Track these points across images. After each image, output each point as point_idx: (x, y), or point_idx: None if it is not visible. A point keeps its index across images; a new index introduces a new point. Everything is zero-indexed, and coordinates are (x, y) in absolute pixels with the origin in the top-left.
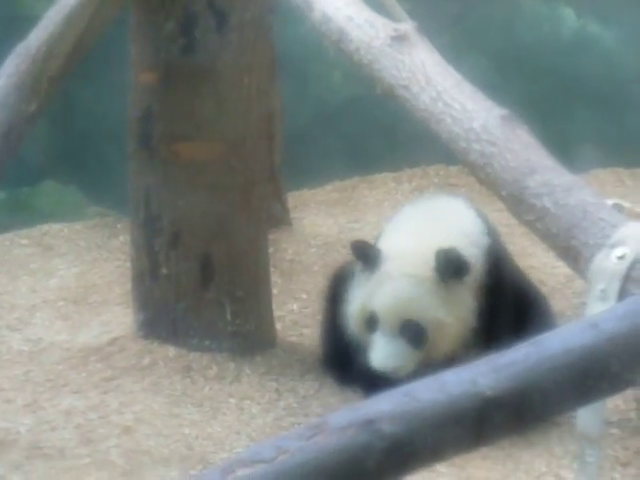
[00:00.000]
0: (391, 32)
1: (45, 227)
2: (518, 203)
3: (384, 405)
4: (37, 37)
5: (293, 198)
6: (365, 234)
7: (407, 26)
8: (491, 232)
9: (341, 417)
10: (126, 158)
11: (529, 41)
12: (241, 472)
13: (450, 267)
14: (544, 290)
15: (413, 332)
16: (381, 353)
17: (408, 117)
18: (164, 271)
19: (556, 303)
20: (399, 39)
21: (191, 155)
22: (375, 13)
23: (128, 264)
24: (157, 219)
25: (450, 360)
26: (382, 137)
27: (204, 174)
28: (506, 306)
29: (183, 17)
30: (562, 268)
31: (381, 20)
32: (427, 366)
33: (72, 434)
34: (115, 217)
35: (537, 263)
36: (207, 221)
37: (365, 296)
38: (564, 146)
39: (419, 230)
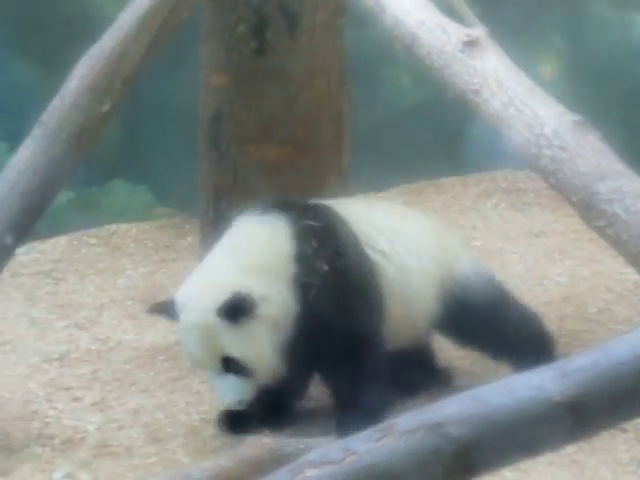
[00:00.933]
0: (463, 37)
1: (113, 227)
2: (588, 209)
3: (452, 408)
4: (111, 38)
5: None
6: None
7: (479, 31)
8: (305, 256)
9: (409, 420)
10: (195, 159)
11: (598, 47)
12: (309, 473)
13: (232, 311)
14: (611, 297)
15: (234, 366)
16: (222, 392)
17: (476, 121)
18: None
19: (623, 310)
20: (471, 44)
21: (261, 156)
22: (446, 18)
23: (195, 264)
24: (226, 219)
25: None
26: (450, 141)
27: (273, 176)
28: (323, 331)
29: (255, 19)
30: (630, 275)
31: (453, 25)
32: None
33: (139, 433)
34: (183, 218)
35: (605, 269)
36: None
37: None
38: (635, 152)
39: (211, 271)
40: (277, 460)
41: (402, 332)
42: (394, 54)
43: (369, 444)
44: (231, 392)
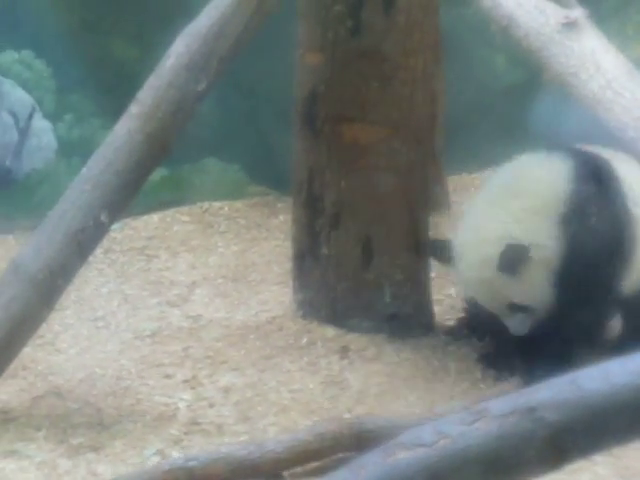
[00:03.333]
0: (561, 19)
1: (206, 204)
2: None
3: (546, 393)
4: (209, 17)
5: (452, 182)
6: None
7: (577, 13)
8: (579, 200)
9: (503, 404)
10: (288, 138)
11: None
12: (402, 455)
13: (509, 265)
14: None
15: (519, 307)
16: (511, 326)
17: (570, 104)
18: (325, 251)
19: None
20: (569, 26)
21: (355, 136)
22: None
23: (287, 243)
24: (319, 199)
25: None
26: (542, 123)
27: (367, 156)
28: (579, 275)
29: None
30: None
31: (551, 6)
32: None
33: (230, 411)
34: (275, 196)
35: None
36: (368, 202)
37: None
38: None
39: (485, 218)
40: (356, 436)
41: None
42: (488, 35)
43: (462, 427)
44: (520, 326)
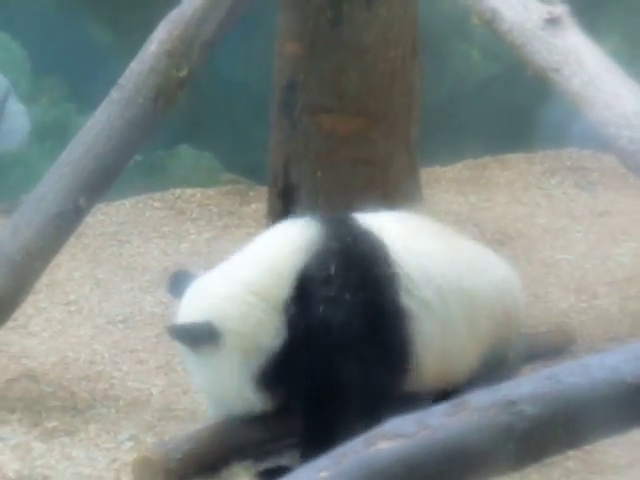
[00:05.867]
0: (544, 14)
1: (178, 191)
2: None
3: (526, 387)
4: (191, 3)
5: (425, 174)
6: (496, 214)
7: (560, 9)
8: (312, 282)
9: (483, 397)
10: (262, 127)
11: None
12: (383, 445)
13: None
14: None
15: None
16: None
17: (543, 99)
18: None
19: None
20: (552, 22)
21: (333, 127)
22: None
23: (259, 232)
24: (296, 189)
25: None
26: (517, 118)
27: (345, 146)
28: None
29: None
30: None
31: (534, 2)
32: None
33: (203, 397)
34: (248, 185)
35: None
36: (346, 194)
37: None
38: None
39: (212, 280)
40: None
41: (432, 384)
42: (465, 28)
43: (443, 419)
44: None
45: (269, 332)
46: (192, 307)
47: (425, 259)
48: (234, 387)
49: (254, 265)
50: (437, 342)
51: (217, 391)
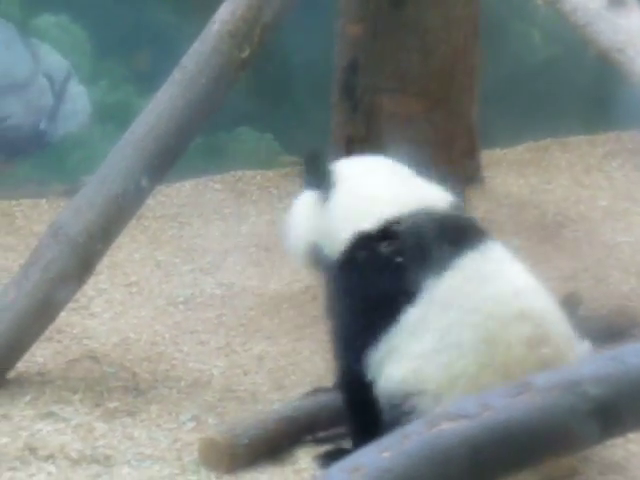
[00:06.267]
0: None
1: (239, 173)
2: None
3: (590, 368)
4: None
5: (486, 156)
6: (556, 197)
7: None
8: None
9: (547, 378)
10: (322, 109)
11: None
12: (446, 425)
13: None
14: None
15: None
16: None
17: (606, 80)
18: None
19: None
20: (616, 2)
21: (394, 108)
22: None
23: None
24: None
25: None
26: (578, 99)
27: (406, 127)
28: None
29: None
30: None
31: None
32: None
33: (264, 379)
34: None
35: None
36: None
37: None
38: None
39: None
40: None
41: None
42: (525, 9)
43: (506, 399)
44: None
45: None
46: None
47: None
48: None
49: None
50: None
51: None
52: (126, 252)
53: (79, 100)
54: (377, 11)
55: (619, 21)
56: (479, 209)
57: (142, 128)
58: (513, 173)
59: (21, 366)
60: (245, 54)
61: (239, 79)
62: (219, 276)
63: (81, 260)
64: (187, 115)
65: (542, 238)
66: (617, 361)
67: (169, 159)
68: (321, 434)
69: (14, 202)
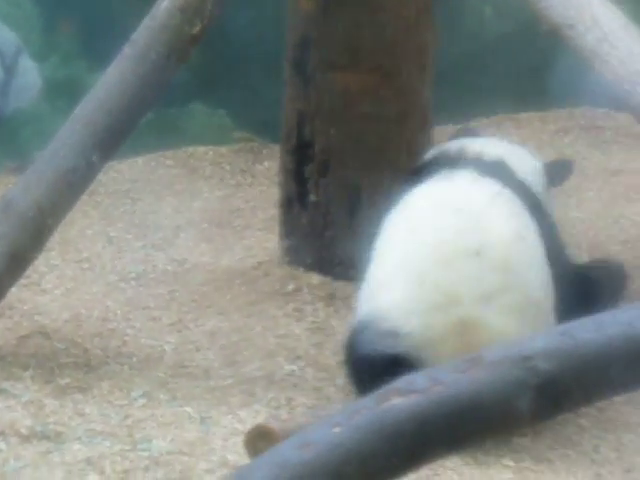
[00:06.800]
0: None
1: (191, 149)
2: None
3: (540, 342)
4: None
5: (438, 133)
6: None
7: None
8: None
9: (496, 352)
10: (275, 84)
11: None
12: (396, 400)
13: None
14: None
15: None
16: None
17: (557, 56)
18: (313, 198)
19: None
20: None
21: (346, 84)
22: None
23: (272, 190)
24: (308, 146)
25: None
26: (530, 76)
27: (358, 104)
28: None
29: None
30: None
31: None
32: None
33: (216, 355)
34: (260, 143)
35: None
36: (359, 151)
37: None
38: None
39: None
40: None
41: None
42: None
43: (455, 374)
44: None
45: None
46: None
47: None
48: None
49: None
50: None
51: None
52: (78, 228)
53: (29, 75)
54: None
55: None
56: None
57: (92, 104)
58: None
59: None
60: (196, 30)
61: (191, 55)
62: (171, 252)
63: (31, 235)
64: (138, 90)
65: None
66: (567, 336)
67: (120, 135)
68: None
69: None
